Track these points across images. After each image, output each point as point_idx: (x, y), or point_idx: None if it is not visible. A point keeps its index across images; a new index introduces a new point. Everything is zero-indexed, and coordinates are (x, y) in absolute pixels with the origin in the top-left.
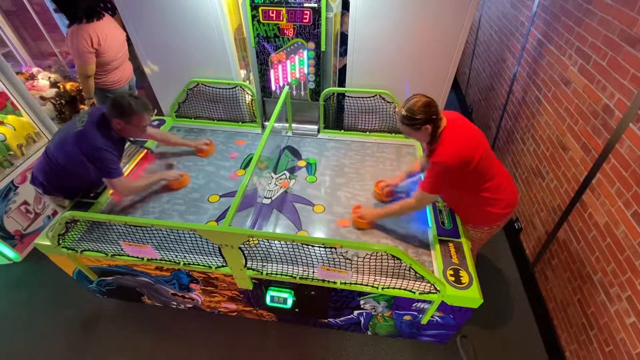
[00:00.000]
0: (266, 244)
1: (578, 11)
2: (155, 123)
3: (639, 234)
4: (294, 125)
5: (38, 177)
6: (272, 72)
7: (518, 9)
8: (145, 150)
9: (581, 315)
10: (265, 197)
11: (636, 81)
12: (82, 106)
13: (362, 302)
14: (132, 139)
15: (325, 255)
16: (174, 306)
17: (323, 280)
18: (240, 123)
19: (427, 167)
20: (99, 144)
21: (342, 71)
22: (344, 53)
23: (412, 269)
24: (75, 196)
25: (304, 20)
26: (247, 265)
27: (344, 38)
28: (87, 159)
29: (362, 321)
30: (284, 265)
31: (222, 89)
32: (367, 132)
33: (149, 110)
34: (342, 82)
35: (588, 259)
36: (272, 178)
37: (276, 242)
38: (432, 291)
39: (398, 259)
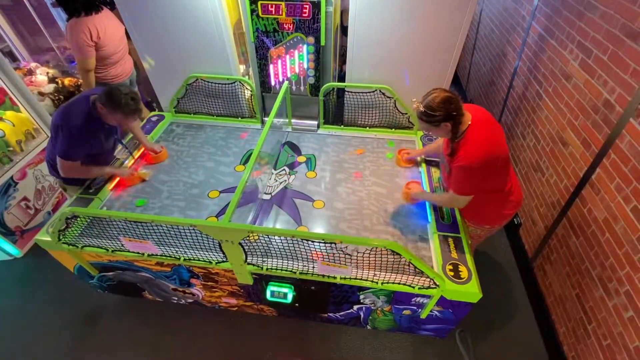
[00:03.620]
0: (266, 239)
1: (579, 5)
2: (155, 119)
3: (638, 229)
4: (293, 120)
5: (46, 155)
6: (271, 67)
7: (519, 2)
8: (143, 148)
9: (579, 310)
10: (265, 193)
11: (637, 76)
12: None
13: (361, 296)
14: (124, 142)
15: (325, 250)
16: (175, 301)
17: (323, 276)
18: (239, 118)
19: (444, 163)
20: (70, 121)
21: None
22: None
23: (412, 264)
24: (69, 179)
25: (304, 15)
26: (248, 260)
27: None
28: (56, 132)
29: (362, 316)
30: (284, 261)
31: (222, 84)
32: (367, 128)
33: (136, 114)
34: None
35: (587, 254)
36: (272, 174)
37: (276, 237)
38: (431, 286)
39: (397, 254)
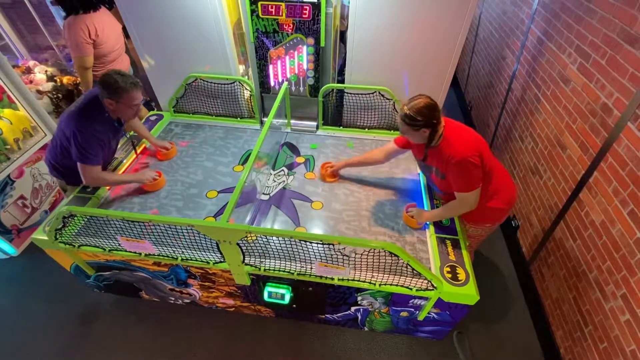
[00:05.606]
0: (264, 240)
1: (578, 9)
2: (154, 118)
3: (634, 233)
4: (292, 121)
5: (48, 156)
6: (271, 67)
7: (518, 6)
8: (143, 146)
9: (576, 313)
10: (264, 194)
11: (635, 80)
12: None
13: (359, 298)
14: (129, 134)
15: (323, 251)
16: (172, 301)
17: (321, 277)
18: (238, 119)
19: (432, 171)
20: (86, 124)
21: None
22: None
23: (410, 265)
24: (72, 180)
25: (304, 16)
26: (245, 261)
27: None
28: (72, 137)
29: (359, 317)
30: (281, 261)
31: (221, 84)
32: (366, 129)
33: (138, 87)
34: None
35: (584, 257)
36: (271, 174)
37: (274, 238)
38: (429, 288)
39: (395, 255)
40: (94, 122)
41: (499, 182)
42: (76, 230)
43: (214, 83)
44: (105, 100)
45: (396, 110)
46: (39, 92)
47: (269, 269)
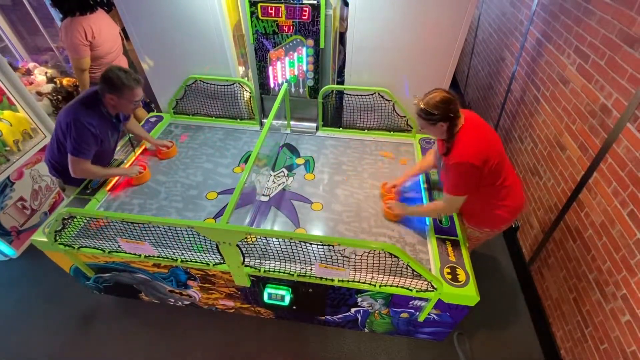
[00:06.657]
0: (264, 241)
1: (577, 10)
2: (153, 120)
3: (634, 233)
4: (292, 122)
5: (47, 154)
6: (270, 69)
7: (517, 7)
8: (143, 147)
9: (576, 313)
10: (263, 195)
11: (634, 81)
12: None
13: (359, 299)
14: (130, 136)
15: (323, 252)
16: (172, 303)
17: (321, 278)
18: (238, 120)
19: (441, 166)
20: (82, 117)
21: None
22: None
23: (410, 266)
24: (68, 178)
25: (303, 17)
26: (245, 262)
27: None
28: (67, 129)
29: (359, 318)
30: (281, 263)
31: (221, 85)
32: (366, 130)
33: (140, 83)
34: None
35: (584, 257)
36: (271, 175)
37: (274, 239)
38: (429, 289)
39: (395, 256)
40: (90, 115)
41: (510, 190)
42: (76, 232)
43: (214, 84)
44: (107, 96)
45: (396, 112)
46: (38, 93)
47: (269, 271)
